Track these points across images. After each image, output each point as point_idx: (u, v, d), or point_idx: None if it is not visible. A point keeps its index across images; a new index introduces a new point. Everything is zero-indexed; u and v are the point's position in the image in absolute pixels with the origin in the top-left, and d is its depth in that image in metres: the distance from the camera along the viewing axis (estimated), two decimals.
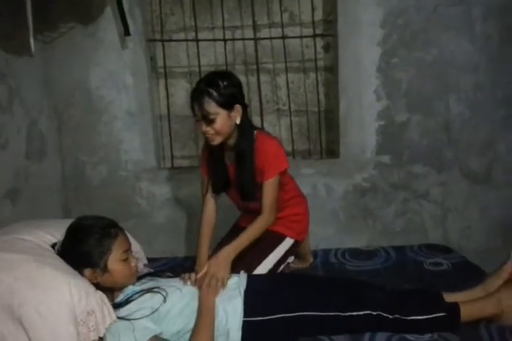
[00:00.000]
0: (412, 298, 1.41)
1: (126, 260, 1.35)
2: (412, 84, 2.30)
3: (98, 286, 1.30)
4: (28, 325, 1.15)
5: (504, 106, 2.30)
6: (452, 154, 2.35)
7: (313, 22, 2.39)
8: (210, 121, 1.55)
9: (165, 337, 1.32)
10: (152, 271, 1.61)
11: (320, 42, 2.46)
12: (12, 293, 1.17)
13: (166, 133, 2.51)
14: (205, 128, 1.57)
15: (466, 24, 2.25)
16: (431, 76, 2.29)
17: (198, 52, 2.39)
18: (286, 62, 2.41)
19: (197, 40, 2.39)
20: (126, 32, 2.21)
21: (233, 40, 2.44)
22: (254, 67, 2.40)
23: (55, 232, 1.44)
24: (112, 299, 1.35)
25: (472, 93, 2.30)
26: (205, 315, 1.33)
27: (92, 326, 1.21)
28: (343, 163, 2.37)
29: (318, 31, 2.42)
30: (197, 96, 1.56)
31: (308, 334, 1.35)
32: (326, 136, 2.52)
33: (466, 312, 1.34)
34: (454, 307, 1.35)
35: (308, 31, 2.41)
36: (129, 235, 1.45)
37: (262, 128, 1.77)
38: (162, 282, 1.45)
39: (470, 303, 1.37)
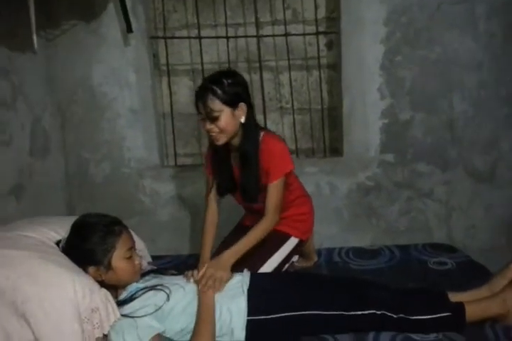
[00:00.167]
0: (417, 298, 1.40)
1: (130, 258, 1.35)
2: (415, 83, 2.29)
3: (102, 284, 1.30)
4: (32, 321, 1.15)
5: (508, 104, 2.29)
6: (456, 152, 2.34)
7: (316, 19, 2.38)
8: (214, 119, 1.54)
9: (168, 336, 1.32)
10: (155, 268, 1.60)
11: (323, 40, 2.45)
12: (16, 289, 1.17)
13: (169, 130, 2.50)
14: (209, 126, 1.56)
15: (470, 22, 2.24)
16: (434, 74, 2.28)
17: (201, 50, 2.38)
18: (289, 59, 2.40)
19: (199, 38, 2.38)
20: (129, 29, 2.21)
21: (236, 37, 2.43)
22: (257, 64, 2.40)
23: (59, 229, 1.44)
24: (115, 296, 1.34)
25: (476, 91, 2.29)
26: (204, 313, 1.33)
27: (97, 323, 1.21)
28: (347, 161, 2.36)
29: (321, 29, 2.42)
30: (201, 93, 1.56)
31: (312, 333, 1.34)
32: (329, 134, 2.52)
33: (471, 312, 1.33)
34: (459, 306, 1.34)
35: (311, 29, 2.41)
36: (132, 233, 1.44)
37: (268, 129, 1.76)
38: (165, 279, 1.44)
39: (475, 303, 1.36)
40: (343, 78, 2.30)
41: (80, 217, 1.39)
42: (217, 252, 1.75)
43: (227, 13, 2.38)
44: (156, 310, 1.30)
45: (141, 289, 1.35)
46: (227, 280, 1.44)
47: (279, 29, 2.42)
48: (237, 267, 1.53)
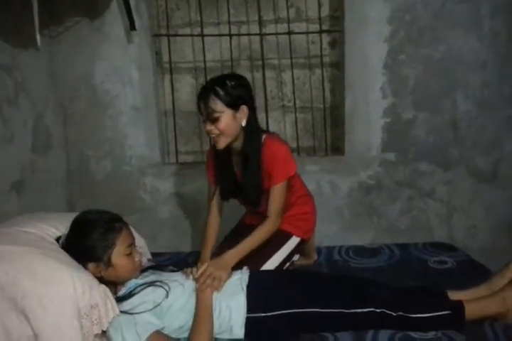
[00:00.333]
0: (417, 296, 1.40)
1: (130, 254, 1.35)
2: (418, 82, 2.28)
3: (102, 280, 1.30)
4: (31, 317, 1.15)
5: (511, 104, 2.28)
6: (458, 152, 2.33)
7: (319, 18, 2.37)
8: (215, 120, 1.54)
9: (167, 333, 1.32)
10: (154, 264, 1.60)
11: (326, 39, 2.44)
12: (16, 285, 1.18)
13: (170, 128, 2.50)
14: (209, 127, 1.56)
15: (474, 21, 2.22)
16: (438, 73, 2.27)
17: (204, 48, 2.38)
18: (291, 58, 2.40)
19: (202, 36, 2.38)
20: (132, 26, 2.21)
21: (239, 35, 2.43)
22: (260, 62, 2.39)
23: (59, 226, 1.44)
24: (114, 292, 1.35)
25: (479, 91, 2.28)
26: (202, 311, 1.33)
27: (96, 319, 1.21)
28: (348, 160, 2.36)
29: (325, 27, 2.41)
30: (203, 94, 1.56)
31: (311, 330, 1.34)
32: (331, 133, 2.51)
33: (471, 311, 1.33)
34: (459, 305, 1.35)
35: (315, 27, 2.40)
36: (132, 230, 1.45)
37: (270, 132, 1.75)
38: (164, 276, 1.45)
39: (475, 302, 1.36)
40: (346, 77, 2.29)
41: (81, 213, 1.40)
42: (217, 250, 1.76)
43: (230, 11, 2.38)
44: (155, 307, 1.30)
45: (140, 285, 1.36)
46: (226, 280, 1.43)
47: (282, 27, 2.41)
48: (238, 265, 1.53)
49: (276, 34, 2.41)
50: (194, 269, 1.47)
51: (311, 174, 2.28)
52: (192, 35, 2.44)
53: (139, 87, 2.33)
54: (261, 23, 2.38)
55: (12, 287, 1.17)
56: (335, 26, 2.41)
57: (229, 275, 1.45)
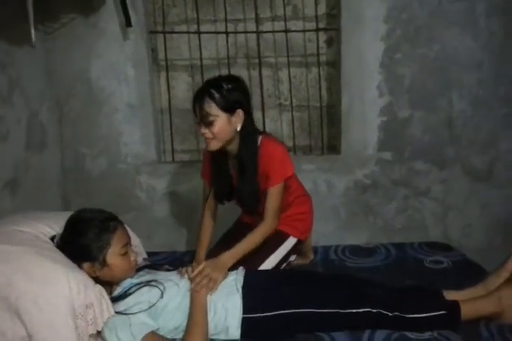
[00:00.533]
0: (413, 296, 1.40)
1: (125, 254, 1.34)
2: (415, 80, 2.28)
3: (97, 280, 1.29)
4: (25, 317, 1.15)
5: (507, 103, 2.29)
6: (454, 151, 2.34)
7: (316, 16, 2.36)
8: (209, 124, 1.52)
9: (162, 333, 1.31)
10: (149, 263, 1.59)
11: (323, 37, 2.43)
12: (10, 285, 1.17)
13: (166, 126, 2.49)
14: (203, 130, 1.54)
15: (470, 20, 2.22)
16: (434, 72, 2.27)
17: (200, 45, 2.37)
18: (288, 56, 2.39)
19: (199, 33, 2.37)
20: (128, 23, 2.19)
21: (235, 33, 2.42)
22: (256, 60, 2.39)
23: (53, 224, 1.43)
24: (110, 292, 1.34)
25: (475, 90, 2.28)
26: (197, 313, 1.32)
27: (91, 319, 1.20)
28: (345, 159, 2.36)
29: (322, 25, 2.40)
30: (199, 96, 1.53)
31: (307, 330, 1.34)
32: (327, 132, 2.51)
33: (467, 311, 1.34)
34: (454, 305, 1.35)
35: (311, 25, 2.39)
36: (128, 229, 1.44)
37: (267, 132, 1.74)
38: (160, 275, 1.44)
39: (470, 302, 1.36)
40: (343, 75, 2.29)
41: (76, 212, 1.39)
42: (215, 249, 1.76)
43: (226, 8, 2.37)
44: (150, 307, 1.30)
45: (136, 285, 1.35)
46: (221, 281, 1.42)
47: (279, 25, 2.40)
48: (234, 265, 1.52)
49: (273, 32, 2.40)
50: (189, 268, 1.46)
51: (307, 173, 2.28)
52: (188, 33, 2.43)
53: (135, 85, 2.31)
54: (258, 20, 2.37)
55: (6, 287, 1.16)
56: (332, 24, 2.40)
57: (225, 278, 1.44)
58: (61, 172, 2.37)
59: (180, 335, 1.33)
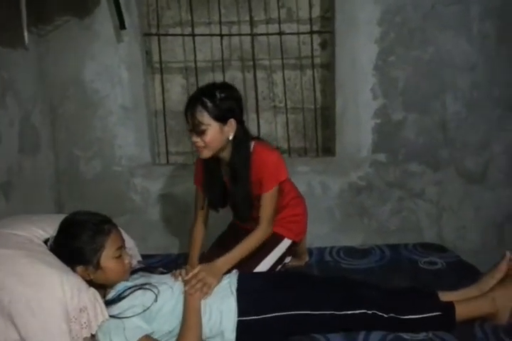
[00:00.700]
0: (408, 297, 1.40)
1: (119, 257, 1.33)
2: (408, 83, 2.29)
3: (90, 283, 1.28)
4: (18, 321, 1.14)
5: (500, 106, 2.30)
6: (448, 153, 2.35)
7: (310, 18, 2.37)
8: (201, 133, 1.51)
9: (156, 337, 1.31)
10: (144, 266, 1.59)
11: (317, 39, 2.44)
12: (2, 288, 1.16)
13: (161, 128, 2.49)
14: (195, 138, 1.53)
15: (464, 23, 2.24)
16: (428, 75, 2.28)
17: (194, 48, 2.37)
18: (282, 58, 2.40)
19: (193, 35, 2.37)
20: (122, 25, 2.19)
21: (230, 35, 2.42)
22: (251, 63, 2.39)
23: (47, 227, 1.42)
24: (104, 295, 1.33)
25: (469, 92, 2.30)
26: (190, 316, 1.31)
27: (85, 323, 1.20)
28: (339, 161, 2.36)
29: (316, 28, 2.41)
30: (191, 104, 1.52)
31: (303, 332, 1.34)
32: (322, 134, 2.51)
33: (461, 312, 1.34)
34: (449, 306, 1.35)
35: (306, 28, 2.40)
36: (122, 231, 1.43)
37: (260, 138, 1.73)
38: (154, 278, 1.43)
39: (465, 303, 1.37)
40: (337, 78, 2.29)
41: (69, 215, 1.38)
42: (209, 251, 1.76)
43: (221, 11, 2.37)
44: (144, 311, 1.29)
45: (130, 288, 1.34)
46: (215, 286, 1.41)
47: (273, 28, 2.41)
48: (230, 269, 1.52)
49: (267, 34, 2.41)
50: (183, 271, 1.45)
51: (301, 175, 2.28)
52: (183, 35, 2.43)
53: (129, 87, 2.31)
54: (252, 23, 2.38)
55: None
56: (326, 27, 2.41)
57: (218, 283, 1.43)
58: (55, 174, 2.35)
59: (174, 339, 1.32)
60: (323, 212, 2.36)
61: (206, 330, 1.32)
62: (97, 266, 1.29)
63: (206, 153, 1.55)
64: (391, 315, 1.33)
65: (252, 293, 1.39)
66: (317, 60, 2.45)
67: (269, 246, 1.67)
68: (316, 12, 2.42)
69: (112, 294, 1.34)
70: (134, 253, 1.60)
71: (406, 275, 1.73)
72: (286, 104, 2.45)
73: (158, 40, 2.39)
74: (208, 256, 1.66)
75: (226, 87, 1.56)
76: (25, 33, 1.82)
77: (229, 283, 1.42)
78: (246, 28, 2.40)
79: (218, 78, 2.40)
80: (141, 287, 1.34)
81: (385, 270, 1.80)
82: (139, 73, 2.31)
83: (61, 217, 1.38)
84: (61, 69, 2.28)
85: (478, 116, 2.31)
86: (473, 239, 2.40)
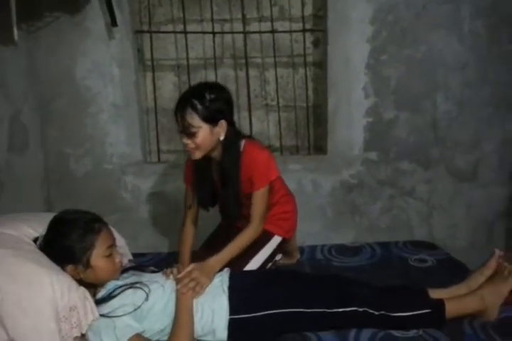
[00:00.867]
0: (398, 295, 1.41)
1: (109, 256, 1.32)
2: (400, 82, 2.30)
3: (80, 282, 1.27)
4: (7, 321, 1.13)
5: (491, 105, 2.32)
6: (439, 152, 2.36)
7: (303, 17, 2.37)
8: (191, 135, 1.50)
9: (147, 336, 1.30)
10: (134, 264, 1.58)
11: (309, 38, 2.44)
12: None
13: (152, 126, 2.48)
14: (185, 140, 1.52)
15: (455, 22, 2.25)
16: (419, 74, 2.29)
17: (187, 45, 2.36)
18: (275, 56, 2.39)
19: (185, 33, 2.36)
20: (113, 22, 2.17)
21: (222, 33, 2.41)
22: (243, 61, 2.38)
23: (37, 226, 1.41)
24: (94, 294, 1.32)
25: (460, 91, 2.31)
26: (182, 315, 1.31)
27: (75, 322, 1.19)
28: (331, 159, 2.37)
29: (308, 26, 2.41)
30: (180, 106, 1.50)
31: (294, 330, 1.34)
32: (314, 132, 2.52)
33: (451, 309, 1.35)
34: (439, 303, 1.36)
35: (298, 26, 2.40)
36: (113, 230, 1.42)
37: (250, 137, 1.73)
38: (145, 277, 1.42)
39: (455, 300, 1.38)
40: (329, 76, 2.30)
41: (59, 213, 1.36)
42: (200, 250, 1.75)
43: (213, 8, 2.36)
44: (135, 310, 1.28)
45: (120, 286, 1.33)
46: (207, 286, 1.41)
47: (266, 26, 2.40)
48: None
49: (260, 32, 2.40)
50: (174, 269, 1.44)
51: (293, 173, 2.29)
52: (175, 32, 2.42)
53: (121, 85, 2.29)
54: (244, 21, 2.37)
55: None
56: (318, 25, 2.41)
57: (210, 282, 1.42)
58: (44, 173, 2.33)
59: (165, 338, 1.31)
60: (314, 210, 2.37)
61: (198, 329, 1.32)
62: (87, 265, 1.28)
63: (197, 154, 1.55)
64: (382, 312, 1.34)
65: (243, 291, 1.39)
66: (309, 59, 2.45)
67: (259, 243, 1.67)
68: (309, 10, 2.42)
69: (102, 293, 1.33)
70: (124, 251, 1.59)
71: (396, 272, 1.74)
72: (278, 102, 2.45)
73: (150, 37, 2.38)
74: (199, 254, 1.66)
75: (216, 88, 1.55)
76: (15, 30, 1.80)
77: (221, 282, 1.42)
78: (238, 26, 2.40)
79: (210, 76, 2.39)
80: (131, 286, 1.34)
81: (375, 267, 1.81)
82: (130, 71, 2.30)
83: (51, 216, 1.37)
84: (52, 67, 2.26)
85: (469, 114, 2.33)
86: (463, 236, 2.42)
